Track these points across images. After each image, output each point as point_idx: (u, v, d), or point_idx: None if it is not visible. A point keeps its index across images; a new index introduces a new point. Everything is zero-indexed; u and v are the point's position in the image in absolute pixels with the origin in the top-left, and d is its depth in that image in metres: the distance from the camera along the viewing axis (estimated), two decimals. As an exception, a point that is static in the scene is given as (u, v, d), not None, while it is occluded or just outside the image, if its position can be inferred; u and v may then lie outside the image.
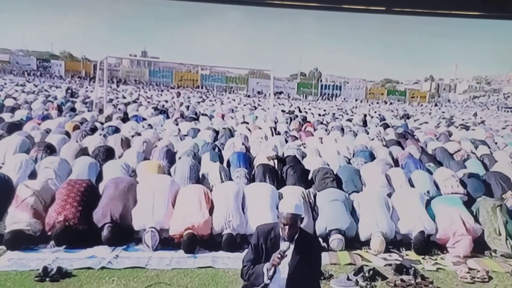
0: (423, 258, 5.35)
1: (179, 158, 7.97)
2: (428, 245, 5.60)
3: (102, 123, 12.06)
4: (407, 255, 5.45)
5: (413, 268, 4.82)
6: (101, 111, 15.60)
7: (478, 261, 5.31)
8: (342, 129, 14.41)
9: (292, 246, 3.20)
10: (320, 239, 5.45)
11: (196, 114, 17.69)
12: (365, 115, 21.77)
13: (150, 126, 12.59)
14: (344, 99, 53.60)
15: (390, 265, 5.02)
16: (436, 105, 55.87)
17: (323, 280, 4.54)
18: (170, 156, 8.04)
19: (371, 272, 4.68)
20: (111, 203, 5.49)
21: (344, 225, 5.65)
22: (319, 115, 22.35)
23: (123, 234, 5.36)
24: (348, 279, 4.56)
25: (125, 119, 13.76)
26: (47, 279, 4.28)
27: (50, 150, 7.63)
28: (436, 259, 5.35)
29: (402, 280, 4.60)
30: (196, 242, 5.24)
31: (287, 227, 3.17)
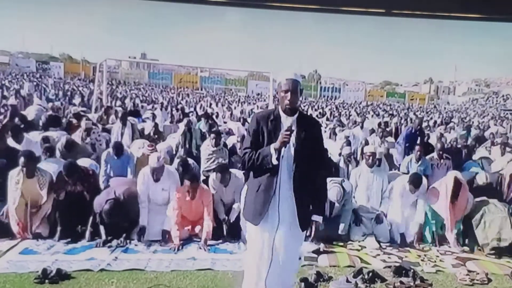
0: (422, 260, 5.36)
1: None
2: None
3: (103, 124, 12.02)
4: (406, 257, 5.47)
5: (412, 270, 4.82)
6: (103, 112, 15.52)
7: (477, 263, 5.32)
8: (342, 131, 14.39)
9: (295, 122, 3.12)
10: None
11: (196, 115, 17.66)
12: (364, 117, 21.77)
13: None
14: (343, 101, 53.56)
15: (389, 267, 5.01)
16: (435, 107, 55.85)
17: (322, 282, 4.55)
18: (170, 157, 8.03)
19: (370, 274, 4.68)
20: (115, 186, 5.71)
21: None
22: (317, 116, 22.34)
23: (125, 215, 5.44)
24: (348, 281, 4.55)
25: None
26: (47, 281, 4.27)
27: (50, 152, 7.62)
28: (435, 261, 5.36)
29: (401, 282, 4.60)
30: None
31: (288, 94, 3.07)
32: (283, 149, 3.06)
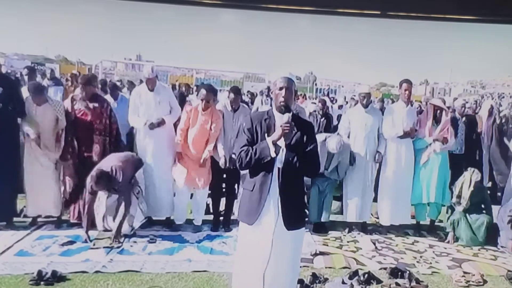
0: (417, 262, 5.37)
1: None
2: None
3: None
4: (402, 258, 5.47)
5: (408, 272, 4.83)
6: None
7: (473, 265, 5.33)
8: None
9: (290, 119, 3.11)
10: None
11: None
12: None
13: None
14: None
15: (385, 268, 5.02)
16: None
17: (318, 284, 4.55)
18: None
19: (366, 275, 4.67)
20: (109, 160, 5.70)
21: None
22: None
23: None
24: (343, 282, 4.55)
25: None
26: (42, 283, 4.25)
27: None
28: (431, 263, 5.37)
29: (397, 284, 4.60)
30: None
31: (282, 91, 3.12)
32: (282, 142, 3.05)
